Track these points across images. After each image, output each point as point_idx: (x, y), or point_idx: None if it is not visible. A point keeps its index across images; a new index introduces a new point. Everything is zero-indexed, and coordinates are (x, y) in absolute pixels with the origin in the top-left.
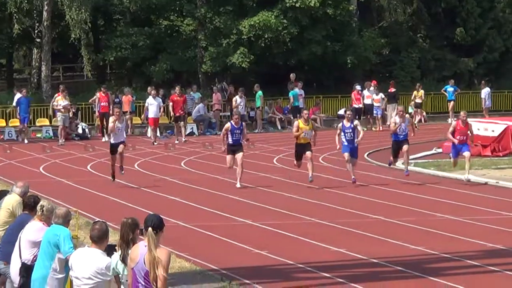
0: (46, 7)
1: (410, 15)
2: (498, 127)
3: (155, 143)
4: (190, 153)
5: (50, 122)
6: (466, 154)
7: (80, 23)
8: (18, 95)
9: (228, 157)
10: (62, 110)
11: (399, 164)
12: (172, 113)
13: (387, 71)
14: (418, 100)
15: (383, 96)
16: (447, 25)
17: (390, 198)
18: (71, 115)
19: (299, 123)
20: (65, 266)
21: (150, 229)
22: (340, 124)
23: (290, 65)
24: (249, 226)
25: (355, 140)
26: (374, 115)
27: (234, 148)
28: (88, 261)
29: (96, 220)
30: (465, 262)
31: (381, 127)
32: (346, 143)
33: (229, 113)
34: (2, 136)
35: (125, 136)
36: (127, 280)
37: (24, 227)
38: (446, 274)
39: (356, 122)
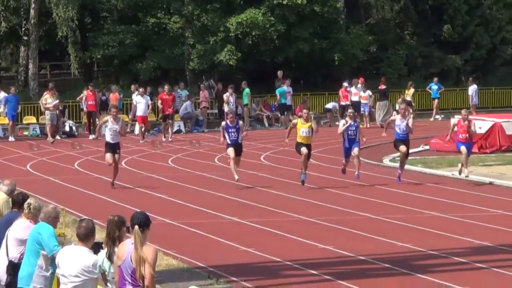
0: (33, 5)
1: (398, 12)
2: (485, 124)
3: (141, 141)
4: (177, 150)
5: (37, 120)
6: (463, 150)
7: (67, 21)
8: (2, 94)
9: (231, 149)
10: (51, 108)
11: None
12: (160, 111)
13: (375, 68)
14: (408, 98)
15: (370, 93)
16: (434, 22)
17: (378, 195)
18: (57, 113)
19: (297, 122)
20: (51, 263)
21: (136, 226)
22: (343, 121)
23: (278, 62)
24: (236, 224)
25: (356, 139)
26: (362, 112)
27: (234, 147)
28: (75, 259)
29: (83, 218)
30: (452, 259)
31: (368, 124)
32: (347, 145)
33: (216, 111)
34: None
35: (119, 137)
36: (113, 278)
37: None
38: (433, 271)
39: (358, 121)
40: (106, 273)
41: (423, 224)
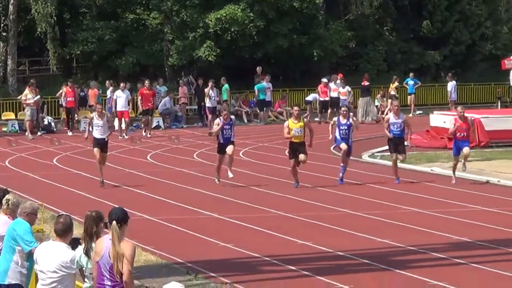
0: (12, 1)
1: (377, 8)
2: None
3: (120, 137)
4: (156, 146)
5: (16, 116)
6: (465, 150)
7: (46, 16)
8: None
9: (218, 156)
10: (32, 104)
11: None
12: (140, 107)
13: (354, 64)
14: (393, 93)
15: (349, 89)
16: (414, 18)
17: (357, 191)
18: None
19: (289, 122)
20: (28, 259)
21: (114, 222)
22: (335, 118)
23: (257, 58)
24: (215, 220)
25: (349, 139)
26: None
27: (223, 148)
28: (53, 255)
29: (61, 213)
30: (431, 254)
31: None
32: (340, 139)
33: (196, 107)
34: None
35: (107, 133)
36: (91, 273)
37: None
38: (412, 266)
39: (352, 119)
40: (84, 268)
41: (402, 220)
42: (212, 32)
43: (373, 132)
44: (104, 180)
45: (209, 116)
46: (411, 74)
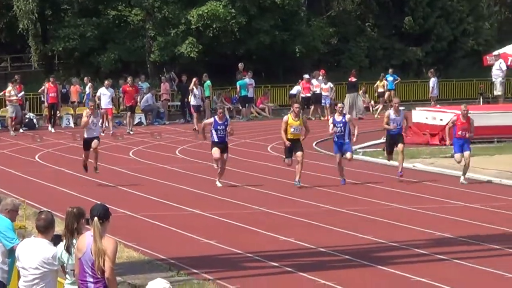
0: None
1: (358, 4)
2: (446, 116)
3: (103, 134)
4: (139, 143)
5: None
6: (466, 154)
7: (28, 13)
8: None
9: (214, 149)
10: (14, 100)
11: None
12: (124, 104)
13: (336, 60)
14: (381, 90)
15: (331, 85)
16: (396, 14)
17: (339, 187)
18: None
19: (288, 118)
20: (9, 256)
21: (95, 218)
22: (331, 119)
23: (239, 54)
24: (197, 216)
25: (345, 136)
26: (323, 104)
27: (221, 146)
28: (35, 251)
29: (42, 210)
30: (413, 250)
31: (329, 117)
32: (336, 139)
33: (179, 103)
34: None
35: (99, 131)
36: (72, 270)
37: None
38: (394, 262)
39: (348, 116)
40: (65, 265)
41: (384, 216)
42: (194, 29)
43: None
44: (97, 169)
45: (194, 114)
46: (390, 70)
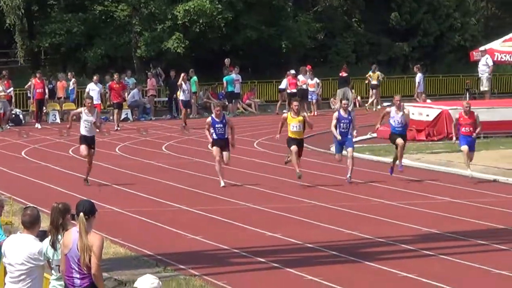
0: None
1: None
2: (433, 111)
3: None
4: (125, 139)
5: None
6: (470, 152)
7: (14, 9)
8: None
9: (215, 148)
10: (2, 96)
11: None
12: (111, 100)
13: (322, 56)
14: (374, 82)
15: (318, 81)
16: (382, 9)
17: (325, 183)
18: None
19: (287, 116)
20: None
21: (81, 214)
22: (336, 114)
23: (225, 50)
24: (183, 212)
25: (350, 132)
26: (309, 100)
27: (220, 143)
28: (21, 247)
29: (28, 205)
30: (399, 246)
31: (316, 112)
32: (339, 137)
33: (166, 99)
34: None
35: (95, 130)
36: (57, 265)
37: None
38: (381, 258)
39: (353, 113)
40: (50, 260)
41: (371, 211)
42: (180, 24)
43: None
44: (89, 178)
45: (183, 110)
46: (373, 66)
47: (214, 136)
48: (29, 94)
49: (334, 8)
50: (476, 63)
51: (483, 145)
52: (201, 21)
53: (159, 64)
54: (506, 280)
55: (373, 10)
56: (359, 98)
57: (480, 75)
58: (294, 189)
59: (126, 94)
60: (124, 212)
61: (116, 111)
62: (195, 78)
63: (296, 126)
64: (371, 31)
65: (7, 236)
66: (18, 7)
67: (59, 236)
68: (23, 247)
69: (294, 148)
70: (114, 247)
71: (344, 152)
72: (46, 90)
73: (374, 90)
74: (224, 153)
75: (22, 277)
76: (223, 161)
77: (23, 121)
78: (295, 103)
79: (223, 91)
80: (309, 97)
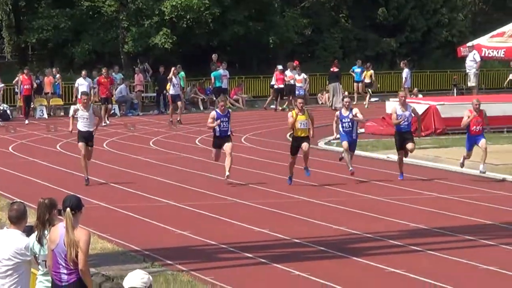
0: None
1: None
2: (421, 107)
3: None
4: (112, 134)
5: None
6: (482, 142)
7: (2, 4)
8: None
9: (214, 150)
10: None
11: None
12: (99, 95)
13: (309, 51)
14: (367, 80)
15: (305, 77)
16: (370, 5)
17: (313, 178)
18: None
19: (292, 114)
20: None
21: (68, 209)
22: (337, 113)
23: (213, 45)
24: (171, 207)
25: (353, 132)
26: (296, 95)
27: (221, 142)
28: (7, 242)
29: (15, 200)
30: (387, 241)
31: None
32: (343, 134)
33: (154, 94)
34: None
35: (93, 125)
36: (44, 260)
37: None
38: (368, 254)
39: (355, 110)
40: (37, 255)
41: (359, 207)
42: (167, 20)
43: (330, 119)
44: (89, 177)
45: (171, 104)
46: (358, 62)
47: (217, 132)
48: (16, 90)
49: (321, 3)
50: (463, 58)
51: None
52: (188, 16)
53: (146, 60)
54: (494, 276)
55: (361, 5)
56: (346, 93)
57: (467, 71)
58: (282, 184)
59: (113, 89)
60: (111, 208)
61: (103, 106)
62: (182, 73)
63: (303, 124)
64: (358, 27)
65: None
66: (5, 2)
67: (46, 232)
68: (10, 242)
69: (304, 145)
70: (101, 242)
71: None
72: (34, 86)
73: (366, 88)
74: (226, 144)
75: (9, 272)
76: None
77: (10, 117)
78: (299, 100)
79: (210, 87)
80: (297, 92)
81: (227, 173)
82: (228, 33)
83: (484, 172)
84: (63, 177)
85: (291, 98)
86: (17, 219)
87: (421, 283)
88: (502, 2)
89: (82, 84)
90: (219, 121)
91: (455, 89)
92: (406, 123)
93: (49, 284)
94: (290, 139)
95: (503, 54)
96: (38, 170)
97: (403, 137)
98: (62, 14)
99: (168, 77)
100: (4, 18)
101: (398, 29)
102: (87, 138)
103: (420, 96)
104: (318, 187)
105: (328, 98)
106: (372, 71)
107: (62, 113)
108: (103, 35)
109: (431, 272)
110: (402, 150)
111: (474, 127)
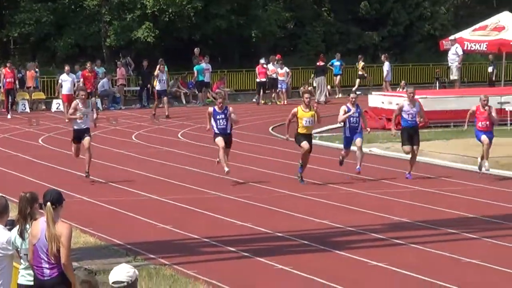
0: None
1: None
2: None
3: (67, 120)
4: (95, 128)
5: None
6: (484, 138)
7: None
8: None
9: (218, 138)
10: None
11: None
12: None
13: (292, 45)
14: (360, 72)
15: (287, 70)
16: None
17: (295, 171)
18: None
19: (297, 110)
20: None
21: (48, 204)
22: (344, 107)
23: (195, 39)
24: (153, 201)
25: (360, 127)
26: (279, 89)
27: (224, 138)
28: None
29: None
30: (370, 235)
31: (285, 101)
32: (348, 134)
33: (136, 88)
34: None
35: (89, 122)
36: (25, 254)
37: None
38: (351, 247)
39: (360, 108)
40: (19, 249)
41: (341, 200)
42: (150, 13)
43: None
44: (90, 175)
45: (156, 100)
46: (337, 55)
47: (216, 129)
48: None
49: None
50: (445, 52)
51: (453, 133)
52: (170, 10)
53: (129, 54)
54: (476, 269)
55: None
56: (329, 87)
57: (450, 64)
58: (264, 178)
59: (97, 83)
60: (94, 202)
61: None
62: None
63: (308, 121)
64: (340, 20)
65: None
66: None
67: (27, 225)
68: None
69: (305, 144)
70: (84, 236)
71: (353, 147)
72: (16, 80)
73: (358, 80)
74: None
75: None
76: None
77: None
78: (306, 95)
79: (192, 81)
80: (279, 86)
81: (226, 168)
82: (210, 27)
83: (487, 170)
84: (45, 171)
85: (273, 91)
86: None
87: (403, 276)
88: None
89: (65, 80)
90: (208, 127)
91: (437, 83)
92: (413, 120)
93: (31, 278)
94: (284, 138)
95: (485, 48)
96: (20, 164)
97: (409, 133)
98: (44, 8)
99: (155, 74)
100: None
101: (380, 22)
102: (82, 136)
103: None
104: (299, 181)
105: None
106: (362, 63)
107: (43, 107)
108: (85, 29)
109: (414, 265)
110: (410, 145)
111: (481, 123)
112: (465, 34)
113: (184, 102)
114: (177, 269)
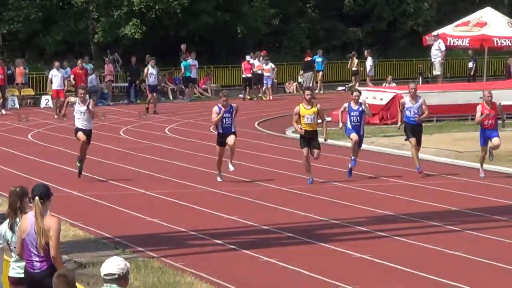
0: None
1: None
2: (386, 95)
3: (56, 116)
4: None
5: None
6: (495, 141)
7: None
8: None
9: (218, 148)
10: None
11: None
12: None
13: (277, 41)
14: (354, 68)
15: (273, 66)
16: None
17: (281, 166)
18: None
19: (299, 108)
20: None
21: (37, 198)
22: (346, 104)
23: (182, 36)
24: (141, 195)
25: (361, 127)
26: (265, 85)
27: (223, 140)
28: None
29: None
30: (354, 228)
31: (271, 97)
32: (351, 128)
33: (124, 84)
34: None
35: (92, 122)
36: (15, 247)
37: None
38: (336, 240)
39: (364, 105)
40: (9, 242)
41: (326, 194)
42: (137, 10)
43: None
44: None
45: (149, 95)
46: (319, 52)
47: (220, 129)
48: None
49: None
50: (429, 48)
51: (435, 128)
52: (157, 7)
53: (116, 50)
54: (459, 261)
55: None
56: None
57: (432, 60)
58: (250, 172)
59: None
60: (83, 196)
61: None
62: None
63: (310, 118)
64: (325, 17)
65: None
66: None
67: (18, 219)
68: None
69: (305, 150)
70: (73, 230)
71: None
72: (6, 76)
73: (354, 77)
74: (229, 137)
75: None
76: (229, 146)
77: None
78: (307, 91)
79: (179, 76)
80: (265, 81)
81: (231, 167)
82: (196, 23)
83: (491, 159)
84: (35, 166)
85: (259, 87)
86: None
87: (387, 268)
88: None
89: (56, 75)
90: (222, 111)
91: (420, 78)
92: (416, 115)
93: (22, 271)
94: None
95: (467, 43)
96: (9, 159)
97: (413, 129)
98: (32, 5)
99: (148, 71)
100: None
101: (364, 19)
102: (86, 134)
103: (394, 84)
104: (286, 175)
105: (296, 87)
106: (356, 60)
107: (33, 103)
108: (73, 26)
109: (398, 257)
110: (414, 137)
111: (487, 121)
112: (448, 30)
113: (171, 98)
114: (165, 261)
